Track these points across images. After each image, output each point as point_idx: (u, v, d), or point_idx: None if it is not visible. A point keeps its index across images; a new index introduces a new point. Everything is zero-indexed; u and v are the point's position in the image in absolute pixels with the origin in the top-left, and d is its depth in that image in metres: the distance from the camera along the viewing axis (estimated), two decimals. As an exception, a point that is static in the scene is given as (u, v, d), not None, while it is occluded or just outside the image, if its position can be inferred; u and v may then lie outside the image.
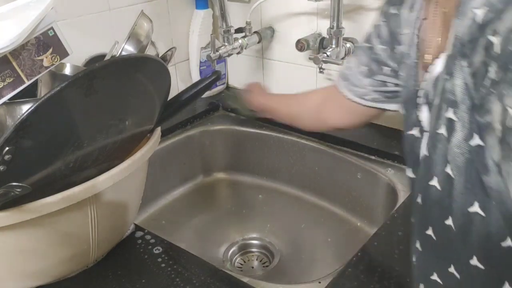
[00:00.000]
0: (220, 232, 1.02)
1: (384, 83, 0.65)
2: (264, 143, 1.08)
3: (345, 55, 0.94)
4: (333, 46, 0.92)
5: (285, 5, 1.05)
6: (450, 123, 0.41)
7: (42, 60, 0.62)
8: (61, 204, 0.53)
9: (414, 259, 0.53)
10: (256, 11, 1.08)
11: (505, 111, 0.34)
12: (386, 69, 0.63)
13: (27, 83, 0.61)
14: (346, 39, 0.95)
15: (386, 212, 0.88)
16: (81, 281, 0.64)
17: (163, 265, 0.66)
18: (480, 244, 0.42)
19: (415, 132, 0.51)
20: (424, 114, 0.49)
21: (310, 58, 0.94)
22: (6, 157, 0.46)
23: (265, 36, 1.09)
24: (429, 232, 0.47)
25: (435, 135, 0.43)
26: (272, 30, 1.10)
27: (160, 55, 0.71)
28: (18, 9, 0.64)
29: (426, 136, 0.48)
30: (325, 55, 0.91)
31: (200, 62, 1.17)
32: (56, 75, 0.68)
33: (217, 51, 0.99)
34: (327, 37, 0.94)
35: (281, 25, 1.08)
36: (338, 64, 0.92)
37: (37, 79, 0.63)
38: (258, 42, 1.08)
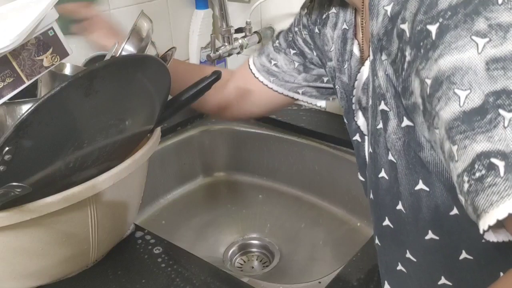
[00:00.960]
0: (220, 232, 1.02)
1: (320, 77, 0.67)
2: (264, 143, 1.08)
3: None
4: (333, 46, 0.92)
5: (285, 5, 1.05)
6: (384, 115, 0.44)
7: (42, 60, 0.62)
8: (61, 204, 0.53)
9: (378, 255, 0.56)
10: (256, 11, 1.08)
11: (423, 83, 0.37)
12: (321, 70, 0.66)
13: (27, 83, 0.61)
14: (346, 39, 0.95)
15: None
16: (81, 281, 0.64)
17: (163, 265, 0.66)
18: (431, 217, 0.45)
19: (357, 137, 0.55)
20: (360, 120, 0.54)
21: (310, 58, 0.94)
22: (6, 157, 0.46)
23: (265, 36, 1.09)
24: (386, 222, 0.50)
25: (375, 132, 0.46)
26: (272, 30, 1.10)
27: (160, 55, 0.71)
28: (18, 9, 0.64)
29: (366, 139, 0.51)
30: (325, 55, 0.91)
31: (200, 62, 1.17)
32: (56, 75, 0.68)
33: (217, 51, 0.99)
34: (327, 37, 0.94)
35: (281, 25, 1.08)
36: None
37: (37, 79, 0.63)
38: (258, 42, 1.08)
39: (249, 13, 1.04)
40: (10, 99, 0.60)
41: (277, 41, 0.71)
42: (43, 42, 0.61)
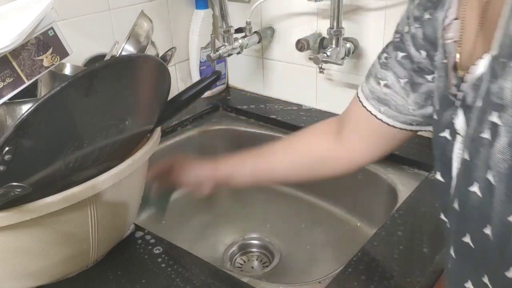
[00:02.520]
0: (220, 232, 1.02)
1: (429, 96, 0.58)
2: (264, 143, 1.08)
3: (345, 55, 0.94)
4: (333, 46, 0.92)
5: (285, 5, 1.05)
6: (494, 128, 0.39)
7: (42, 60, 0.62)
8: (61, 204, 0.53)
9: (449, 265, 0.50)
10: (256, 11, 1.08)
11: None
12: (429, 77, 0.57)
13: (27, 83, 0.61)
14: (346, 39, 0.95)
15: (386, 212, 0.88)
16: (81, 281, 0.64)
17: (163, 265, 0.66)
18: None
19: (447, 134, 0.48)
20: (459, 117, 0.46)
21: (310, 58, 0.94)
22: (6, 157, 0.46)
23: (265, 36, 1.09)
24: (467, 239, 0.44)
25: (478, 139, 0.41)
26: (272, 30, 1.10)
27: (160, 55, 0.71)
28: (18, 9, 0.64)
29: (459, 139, 0.46)
30: (325, 55, 0.91)
31: (200, 62, 1.17)
32: (56, 75, 0.68)
33: (217, 51, 0.99)
34: (327, 37, 0.94)
35: (281, 25, 1.08)
36: (338, 64, 0.92)
37: (37, 79, 0.63)
38: (258, 42, 1.08)
39: (249, 13, 1.04)
40: (10, 99, 0.60)
41: (384, 54, 0.61)
42: (43, 42, 0.61)
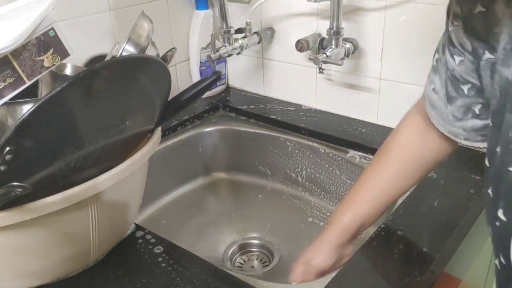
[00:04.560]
0: (220, 232, 1.03)
1: (468, 110, 0.54)
2: (264, 143, 1.08)
3: (345, 55, 0.94)
4: (333, 46, 0.92)
5: (285, 6, 1.05)
6: None
7: (43, 60, 0.62)
8: (61, 204, 0.53)
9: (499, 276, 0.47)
10: (256, 11, 1.08)
11: None
12: (465, 89, 0.52)
13: (28, 83, 0.61)
14: (346, 40, 0.95)
15: (386, 212, 0.88)
16: (81, 280, 0.64)
17: (163, 264, 0.66)
18: None
19: None
20: None
21: (310, 59, 0.94)
22: (7, 157, 0.46)
23: (265, 36, 1.09)
24: None
25: None
26: (272, 30, 1.10)
27: (160, 56, 0.71)
28: (18, 10, 0.64)
29: None
30: (325, 55, 0.91)
31: (200, 62, 1.17)
32: (57, 76, 0.69)
33: (217, 51, 0.99)
34: (327, 37, 0.94)
35: (281, 26, 1.09)
36: (337, 64, 0.92)
37: (38, 80, 0.63)
38: (258, 43, 1.09)
39: (249, 14, 1.04)
40: (11, 99, 0.60)
41: (435, 57, 0.56)
42: (44, 43, 0.61)
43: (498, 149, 0.46)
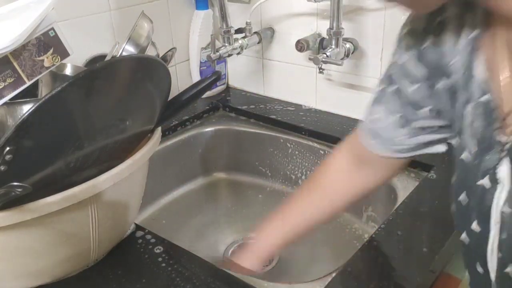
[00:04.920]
0: (220, 232, 1.03)
1: (423, 129, 0.57)
2: (264, 143, 1.08)
3: (345, 55, 0.94)
4: (333, 46, 0.92)
5: (285, 6, 1.05)
6: None
7: (43, 60, 0.62)
8: (61, 204, 0.53)
9: None
10: (256, 11, 1.08)
11: None
12: (424, 112, 0.55)
13: (28, 83, 0.61)
14: (346, 40, 0.95)
15: (386, 212, 0.88)
16: (81, 280, 0.64)
17: (163, 264, 0.66)
18: None
19: (484, 182, 0.45)
20: (503, 166, 0.43)
21: (310, 59, 0.94)
22: (7, 157, 0.46)
23: (265, 36, 1.09)
24: None
25: None
26: (272, 30, 1.10)
27: (160, 56, 0.71)
28: (18, 10, 0.64)
29: (500, 189, 0.43)
30: (325, 55, 0.91)
31: (200, 62, 1.17)
32: (57, 76, 0.69)
33: (217, 51, 0.99)
34: (327, 37, 0.94)
35: (281, 26, 1.09)
36: (337, 64, 0.92)
37: (38, 80, 0.63)
38: (258, 43, 1.09)
39: (249, 14, 1.04)
40: (11, 99, 0.61)
41: (377, 89, 0.59)
42: (44, 43, 0.61)
43: (459, 168, 0.50)
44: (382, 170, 0.66)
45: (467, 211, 0.48)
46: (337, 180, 0.71)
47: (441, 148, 0.59)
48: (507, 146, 0.42)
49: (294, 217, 0.75)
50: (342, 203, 0.71)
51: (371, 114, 0.60)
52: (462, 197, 0.49)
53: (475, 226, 0.47)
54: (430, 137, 0.58)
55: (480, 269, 0.48)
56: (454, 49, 0.47)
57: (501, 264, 0.44)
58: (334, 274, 0.63)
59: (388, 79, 0.57)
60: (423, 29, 0.50)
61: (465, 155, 0.48)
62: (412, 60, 0.52)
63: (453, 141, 0.51)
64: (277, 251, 0.76)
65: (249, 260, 0.76)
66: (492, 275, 0.46)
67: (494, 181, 0.44)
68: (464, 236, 0.50)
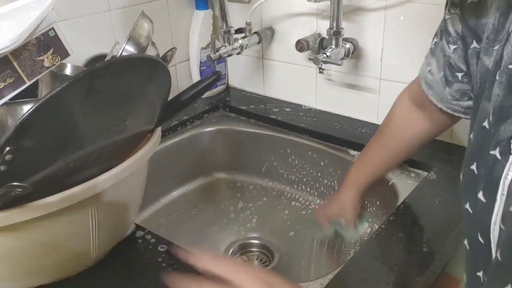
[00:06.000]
0: (220, 232, 1.03)
1: (464, 94, 0.58)
2: (264, 143, 1.08)
3: (345, 55, 0.94)
4: (333, 46, 0.92)
5: (285, 6, 1.05)
6: None
7: (42, 60, 0.62)
8: (61, 204, 0.53)
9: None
10: (256, 11, 1.08)
11: None
12: (460, 76, 0.57)
13: (28, 83, 0.61)
14: (346, 40, 0.95)
15: (386, 211, 0.88)
16: (81, 281, 0.64)
17: (163, 264, 0.66)
18: None
19: (497, 153, 0.44)
20: None
21: (310, 59, 0.94)
22: (7, 157, 0.46)
23: (265, 36, 1.09)
24: None
25: None
26: (272, 30, 1.10)
27: (160, 56, 0.71)
28: (18, 10, 0.64)
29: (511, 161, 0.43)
30: (325, 55, 0.91)
31: (200, 62, 1.17)
32: (56, 75, 0.69)
33: (217, 51, 0.99)
34: (327, 37, 0.94)
35: (281, 26, 1.09)
36: (337, 64, 0.92)
37: (37, 79, 0.63)
38: (258, 43, 1.08)
39: (249, 14, 1.04)
40: (11, 99, 0.61)
41: (434, 40, 0.61)
42: (44, 43, 0.61)
43: (474, 134, 0.49)
44: (437, 119, 0.68)
45: (475, 180, 0.48)
46: (401, 120, 0.73)
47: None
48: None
49: (373, 160, 0.79)
50: (409, 142, 0.74)
51: (428, 65, 0.62)
52: (473, 166, 0.48)
53: (481, 195, 0.47)
54: (470, 103, 0.58)
55: (481, 239, 0.48)
56: (490, 9, 0.47)
57: (504, 237, 0.44)
58: (334, 274, 0.63)
59: (439, 34, 0.59)
60: None
61: (485, 123, 0.47)
62: (455, 18, 0.54)
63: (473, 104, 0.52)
64: (363, 193, 0.82)
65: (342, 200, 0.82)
66: (493, 247, 0.46)
67: (507, 153, 0.43)
68: (467, 206, 0.50)
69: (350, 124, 1.02)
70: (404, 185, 0.84)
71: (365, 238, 0.84)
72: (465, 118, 0.63)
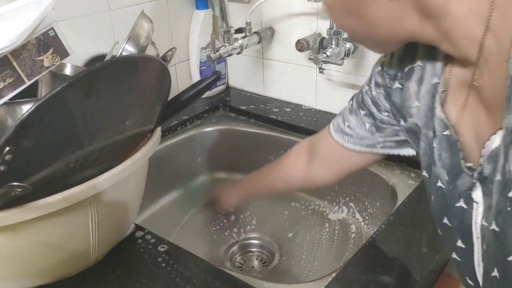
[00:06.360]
0: (220, 232, 1.03)
1: (397, 132, 0.62)
2: (264, 143, 1.08)
3: (345, 55, 0.94)
4: (333, 46, 0.92)
5: (285, 6, 1.05)
6: None
7: (42, 60, 0.62)
8: (61, 204, 0.53)
9: None
10: (256, 11, 1.08)
11: None
12: (395, 127, 0.61)
13: (28, 83, 0.61)
14: (346, 40, 0.95)
15: (386, 212, 0.88)
16: (81, 281, 0.64)
17: (163, 264, 0.66)
18: None
19: (462, 203, 0.49)
20: (477, 188, 0.47)
21: (310, 58, 0.94)
22: (7, 157, 0.46)
23: (265, 36, 1.09)
24: None
25: (504, 211, 0.42)
26: (272, 30, 1.10)
27: (160, 56, 0.71)
28: (18, 9, 0.64)
29: (475, 207, 0.47)
30: (325, 55, 0.91)
31: (200, 62, 1.17)
32: (56, 75, 0.69)
33: (217, 51, 0.99)
34: (327, 37, 0.94)
35: (281, 25, 1.09)
36: (338, 64, 0.92)
37: (37, 79, 0.63)
38: (258, 42, 1.08)
39: (249, 14, 1.04)
40: (10, 99, 0.60)
41: (350, 102, 0.67)
42: (44, 43, 0.61)
43: (434, 196, 0.54)
44: (339, 167, 0.72)
45: (451, 231, 0.52)
46: (293, 168, 0.79)
47: (411, 151, 0.64)
48: (478, 169, 0.46)
49: (256, 184, 0.89)
50: (294, 186, 0.83)
51: (345, 121, 0.67)
52: (445, 220, 0.53)
53: (460, 243, 0.51)
54: (401, 138, 0.63)
55: (471, 283, 0.51)
56: (417, 94, 0.53)
57: (485, 272, 0.48)
58: (334, 274, 0.63)
59: (359, 105, 0.64)
60: (394, 75, 0.57)
61: (440, 183, 0.52)
62: (381, 97, 0.60)
63: (424, 173, 0.56)
64: (237, 202, 0.95)
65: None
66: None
67: (470, 202, 0.48)
68: (454, 254, 0.53)
69: (350, 124, 1.02)
70: (404, 185, 0.84)
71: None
72: (379, 153, 0.66)
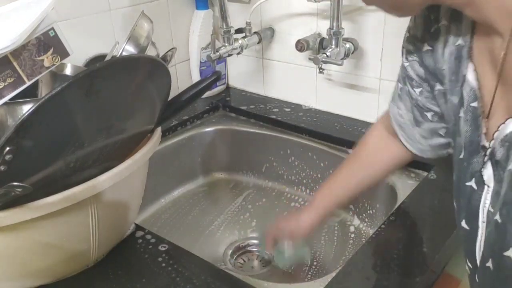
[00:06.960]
0: (220, 232, 1.03)
1: (434, 132, 0.61)
2: (264, 143, 1.08)
3: (345, 55, 0.94)
4: (333, 46, 0.92)
5: (285, 6, 1.05)
6: None
7: (42, 60, 0.62)
8: (61, 204, 0.53)
9: None
10: (256, 11, 1.08)
11: None
12: (429, 115, 0.60)
13: (28, 83, 0.61)
14: (346, 40, 0.95)
15: (386, 212, 0.88)
16: (81, 281, 0.64)
17: (163, 264, 0.66)
18: None
19: (472, 183, 0.48)
20: (488, 169, 0.46)
21: (310, 59, 0.94)
22: (7, 157, 0.46)
23: (265, 36, 1.09)
24: None
25: (510, 203, 0.41)
26: (272, 30, 1.10)
27: (160, 56, 0.71)
28: (19, 9, 0.64)
29: (486, 190, 0.46)
30: (325, 55, 0.91)
31: (200, 62, 1.17)
32: (56, 76, 0.69)
33: (217, 51, 0.99)
34: (327, 37, 0.94)
35: (281, 26, 1.09)
36: (337, 64, 0.92)
37: (37, 79, 0.63)
38: (258, 43, 1.09)
39: (249, 14, 1.04)
40: (11, 99, 0.60)
41: (398, 86, 0.64)
42: (44, 43, 0.61)
43: (455, 167, 0.53)
44: (405, 155, 0.70)
45: (458, 209, 0.52)
46: (374, 146, 0.74)
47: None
48: (488, 151, 0.45)
49: (340, 185, 0.77)
50: (380, 167, 0.74)
51: (398, 108, 0.64)
52: (457, 196, 0.52)
53: (464, 224, 0.50)
54: (441, 140, 0.62)
55: (470, 265, 0.51)
56: (443, 56, 0.52)
57: (482, 260, 0.47)
58: (334, 274, 0.63)
59: (402, 80, 0.62)
60: (421, 36, 0.55)
61: (462, 156, 0.50)
62: (415, 64, 0.58)
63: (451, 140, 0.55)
64: (324, 218, 0.78)
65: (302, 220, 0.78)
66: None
67: (481, 183, 0.47)
68: (460, 231, 0.52)
69: (350, 124, 1.02)
70: (404, 185, 0.84)
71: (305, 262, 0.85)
72: (426, 157, 0.66)
